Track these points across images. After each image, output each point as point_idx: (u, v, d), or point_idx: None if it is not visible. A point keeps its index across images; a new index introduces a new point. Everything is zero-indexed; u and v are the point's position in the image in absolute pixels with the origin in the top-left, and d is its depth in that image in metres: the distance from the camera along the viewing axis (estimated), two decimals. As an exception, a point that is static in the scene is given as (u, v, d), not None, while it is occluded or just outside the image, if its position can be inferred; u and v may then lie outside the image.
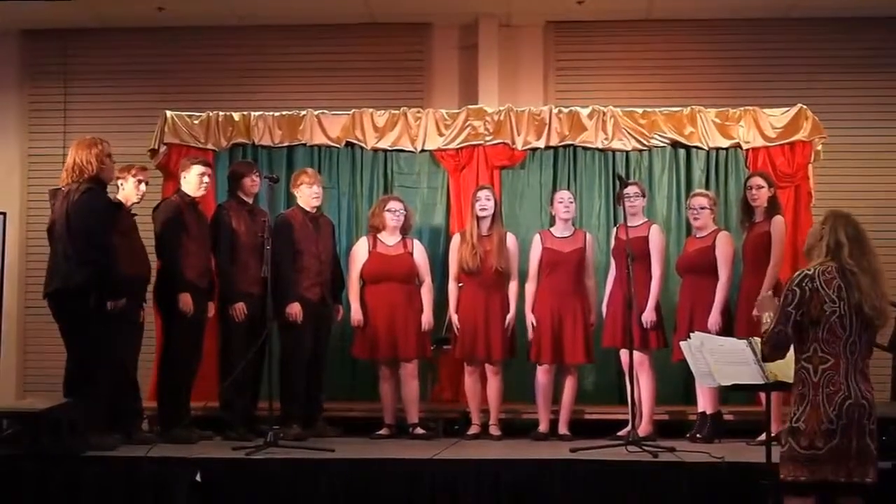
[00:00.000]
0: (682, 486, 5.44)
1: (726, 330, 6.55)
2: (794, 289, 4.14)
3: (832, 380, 4.08)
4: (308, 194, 7.06)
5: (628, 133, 7.82)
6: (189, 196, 6.82)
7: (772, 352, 4.25)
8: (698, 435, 6.68)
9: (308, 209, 7.08)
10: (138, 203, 6.70)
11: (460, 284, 7.09)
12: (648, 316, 6.78)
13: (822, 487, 4.10)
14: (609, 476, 5.51)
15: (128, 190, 6.62)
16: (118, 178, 6.57)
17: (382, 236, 7.12)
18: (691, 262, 6.92)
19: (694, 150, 7.86)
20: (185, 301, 6.57)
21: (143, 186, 6.68)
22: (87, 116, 8.95)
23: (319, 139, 7.99)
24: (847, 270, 4.12)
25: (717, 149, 7.83)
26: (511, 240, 7.10)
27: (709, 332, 6.26)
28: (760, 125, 7.72)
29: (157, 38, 9.05)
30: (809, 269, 4.16)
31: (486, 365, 7.02)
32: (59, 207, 6.12)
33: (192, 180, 6.82)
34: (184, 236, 6.68)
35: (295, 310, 6.83)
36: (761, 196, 6.81)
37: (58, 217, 6.11)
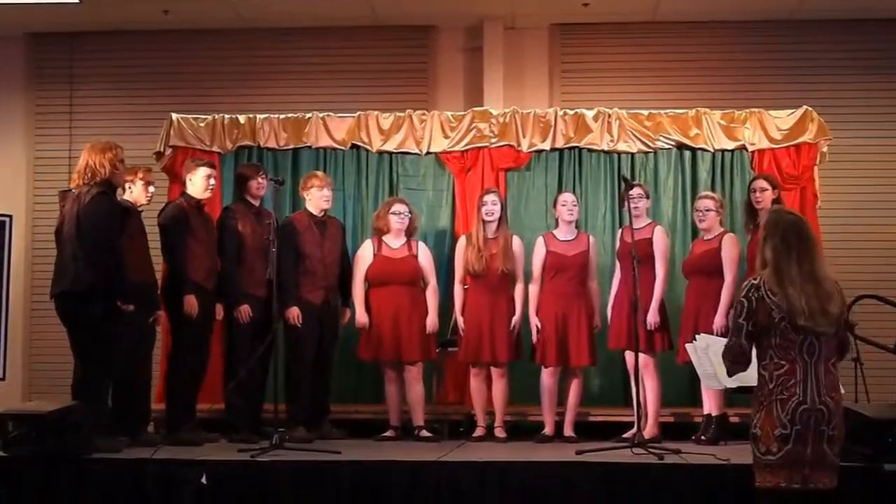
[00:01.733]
0: (687, 489, 5.43)
1: (732, 332, 6.53)
2: (741, 300, 4.11)
3: (786, 385, 4.03)
4: (318, 197, 7.07)
5: (634, 135, 7.82)
6: (194, 198, 6.83)
7: (731, 365, 4.19)
8: (703, 437, 6.67)
9: (316, 213, 7.09)
10: (146, 204, 6.72)
11: (465, 287, 7.09)
12: (651, 317, 6.78)
13: (775, 494, 4.05)
14: (614, 478, 5.50)
15: (136, 192, 6.63)
16: (125, 180, 6.58)
17: (387, 239, 7.13)
18: (697, 264, 6.91)
19: (699, 151, 7.86)
20: (191, 303, 6.58)
21: (151, 188, 6.71)
22: (93, 119, 8.99)
23: (325, 142, 8.00)
24: (773, 286, 4.06)
25: (723, 151, 7.83)
26: (517, 242, 7.10)
27: (714, 334, 6.25)
28: (766, 127, 7.71)
29: (163, 41, 9.09)
30: (756, 279, 4.12)
31: (492, 367, 7.01)
32: (68, 209, 6.13)
33: (198, 182, 6.83)
34: (189, 239, 6.69)
35: (293, 314, 6.85)
36: (765, 198, 6.81)
37: (67, 218, 6.11)
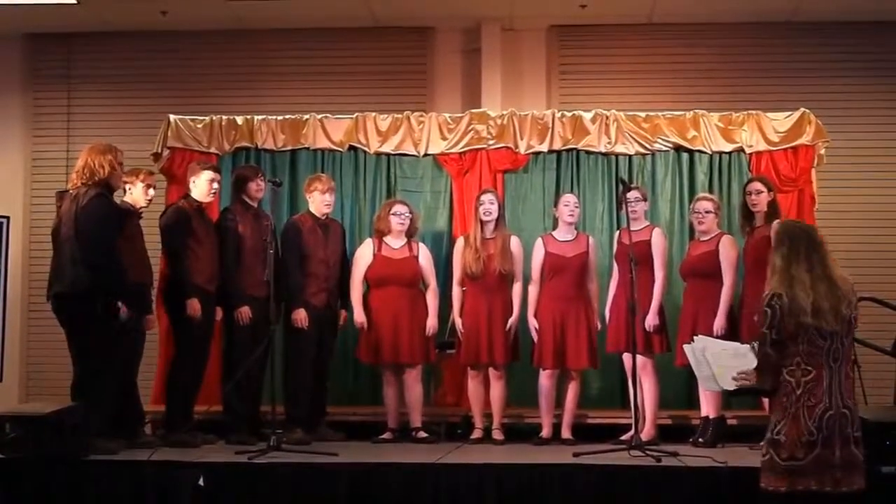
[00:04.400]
0: (684, 491, 5.43)
1: (731, 334, 6.53)
2: (765, 309, 4.14)
3: (814, 392, 4.07)
4: (319, 201, 7.07)
5: (631, 137, 7.82)
6: (196, 201, 6.82)
7: (760, 375, 4.23)
8: (701, 439, 6.67)
9: (318, 215, 7.08)
10: (146, 207, 6.72)
11: (463, 288, 7.08)
12: (651, 320, 6.78)
13: (800, 497, 4.08)
14: (612, 480, 5.51)
15: (136, 194, 6.63)
16: (126, 182, 6.58)
17: (388, 239, 7.12)
18: (695, 266, 6.90)
19: (697, 154, 7.87)
20: (194, 306, 6.57)
21: (151, 191, 6.70)
22: (91, 120, 8.98)
23: (323, 143, 7.99)
24: (788, 283, 4.09)
25: (721, 153, 7.84)
26: (515, 243, 7.09)
27: (714, 336, 6.25)
28: (763, 129, 7.72)
29: (161, 42, 9.07)
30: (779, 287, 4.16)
31: (490, 369, 7.01)
32: (66, 210, 6.12)
33: (202, 186, 6.82)
34: (191, 242, 6.68)
35: (300, 316, 6.84)
36: (761, 201, 6.80)
37: (65, 219, 6.10)
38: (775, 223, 4.50)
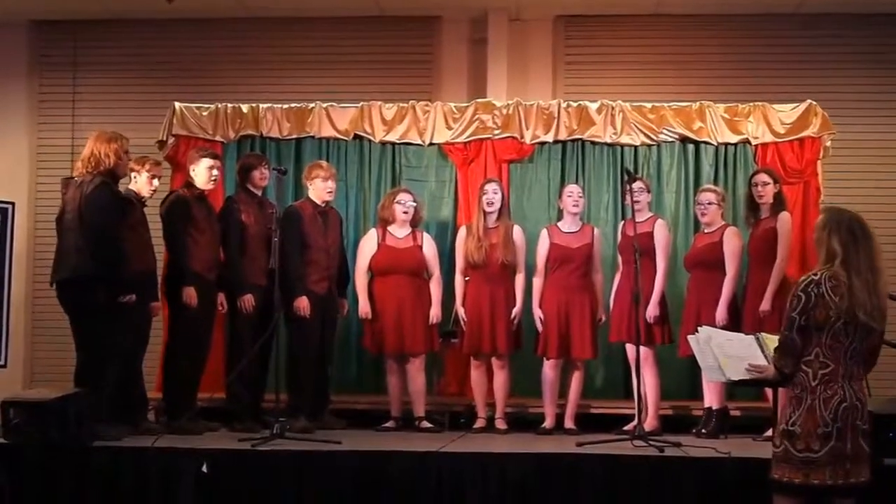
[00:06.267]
0: (687, 481, 5.43)
1: (733, 325, 6.53)
2: (799, 294, 4.13)
3: (829, 384, 4.08)
4: (321, 188, 7.05)
5: (637, 128, 7.81)
6: (197, 188, 6.82)
7: (781, 358, 4.22)
8: (704, 430, 6.67)
9: (319, 203, 7.08)
10: (150, 197, 6.71)
11: (466, 278, 7.08)
12: (652, 311, 6.78)
13: (815, 490, 4.09)
14: (615, 470, 5.50)
15: (140, 183, 6.62)
16: (132, 169, 6.58)
17: (392, 229, 7.12)
18: (699, 258, 6.90)
19: (703, 145, 7.85)
20: (189, 295, 6.58)
21: (155, 181, 6.70)
22: (96, 108, 8.97)
23: (328, 132, 7.99)
24: (842, 278, 4.08)
25: (726, 144, 7.82)
26: (518, 233, 7.09)
27: (716, 327, 6.25)
28: (769, 121, 7.70)
29: (167, 29, 9.06)
30: (816, 274, 4.14)
31: (492, 358, 7.01)
32: (70, 197, 6.14)
33: (202, 173, 6.82)
34: (191, 229, 6.68)
35: (303, 304, 6.83)
36: (767, 192, 6.79)
37: (69, 207, 6.12)
38: (825, 206, 4.41)
